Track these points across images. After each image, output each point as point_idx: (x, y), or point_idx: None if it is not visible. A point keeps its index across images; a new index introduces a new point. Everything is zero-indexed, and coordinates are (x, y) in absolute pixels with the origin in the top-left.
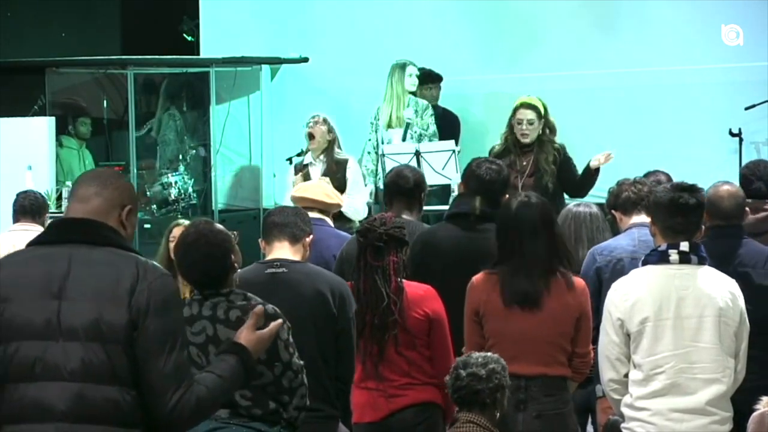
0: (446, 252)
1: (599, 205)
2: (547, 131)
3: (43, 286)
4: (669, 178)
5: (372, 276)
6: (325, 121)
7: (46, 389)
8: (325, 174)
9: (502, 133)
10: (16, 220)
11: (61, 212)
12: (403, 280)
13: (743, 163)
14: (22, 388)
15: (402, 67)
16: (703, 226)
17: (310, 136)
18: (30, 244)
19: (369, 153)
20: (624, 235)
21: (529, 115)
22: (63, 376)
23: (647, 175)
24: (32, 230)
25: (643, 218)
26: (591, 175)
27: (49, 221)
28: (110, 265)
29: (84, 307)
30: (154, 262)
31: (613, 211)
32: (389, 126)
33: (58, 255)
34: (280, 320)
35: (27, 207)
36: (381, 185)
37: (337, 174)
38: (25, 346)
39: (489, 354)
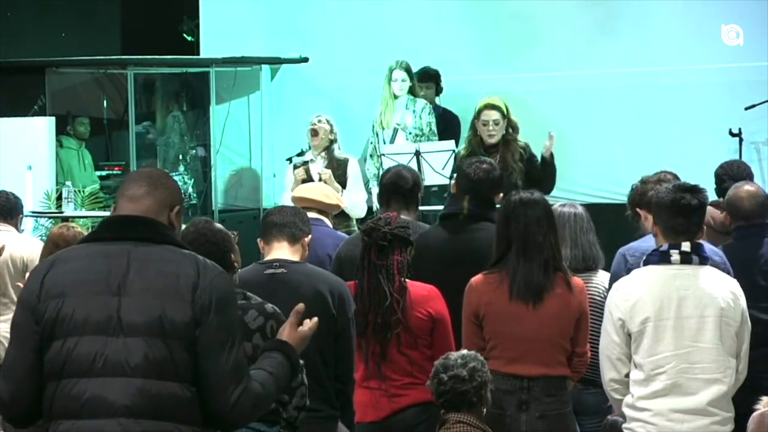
0: (436, 254)
1: (618, 205)
2: (510, 130)
3: (103, 282)
4: (675, 177)
5: (375, 275)
6: (328, 121)
7: (109, 385)
8: (326, 168)
9: (465, 137)
10: None
11: (61, 212)
12: (407, 280)
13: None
14: (82, 384)
15: (390, 70)
16: (731, 228)
17: (314, 132)
18: (84, 241)
19: (372, 157)
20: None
21: (494, 115)
22: (126, 372)
23: (655, 175)
24: (4, 230)
25: None
26: (549, 164)
27: (46, 221)
28: (170, 263)
29: (146, 304)
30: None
31: (637, 209)
32: (381, 127)
33: (117, 252)
34: (316, 318)
35: None
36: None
37: (337, 171)
38: (85, 341)
39: (465, 352)
